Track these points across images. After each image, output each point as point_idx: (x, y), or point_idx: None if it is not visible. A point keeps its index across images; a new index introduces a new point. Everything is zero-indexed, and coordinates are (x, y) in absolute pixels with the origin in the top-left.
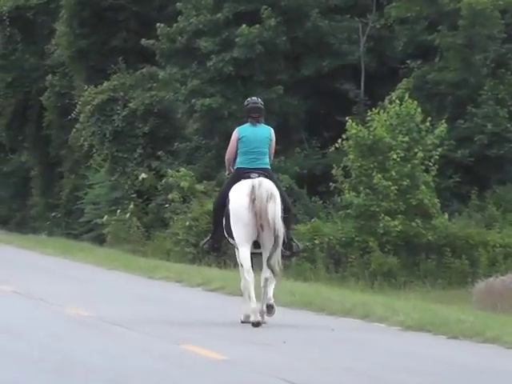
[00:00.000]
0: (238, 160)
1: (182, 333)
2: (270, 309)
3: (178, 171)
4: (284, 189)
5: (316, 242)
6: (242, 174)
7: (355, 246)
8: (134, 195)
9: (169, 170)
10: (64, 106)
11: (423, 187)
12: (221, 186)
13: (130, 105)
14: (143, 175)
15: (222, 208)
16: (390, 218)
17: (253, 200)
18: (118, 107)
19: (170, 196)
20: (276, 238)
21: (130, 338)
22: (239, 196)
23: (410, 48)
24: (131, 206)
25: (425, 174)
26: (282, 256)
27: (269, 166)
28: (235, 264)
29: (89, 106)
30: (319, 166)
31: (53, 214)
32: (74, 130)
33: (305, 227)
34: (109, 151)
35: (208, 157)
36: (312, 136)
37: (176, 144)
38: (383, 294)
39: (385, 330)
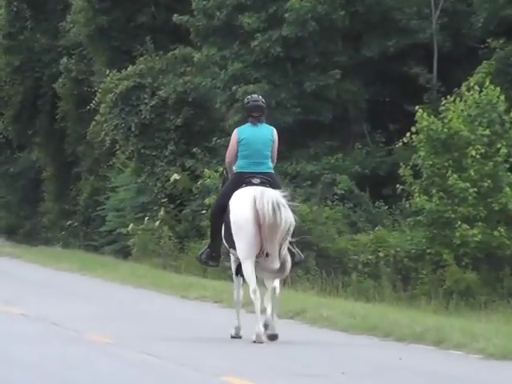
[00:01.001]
0: (238, 163)
1: (222, 362)
2: (273, 337)
3: (216, 171)
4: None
5: (380, 254)
6: (243, 179)
7: (427, 259)
8: (165, 200)
9: (206, 170)
10: (81, 95)
11: (507, 189)
12: None
13: (160, 93)
14: (175, 176)
15: (221, 215)
16: (468, 226)
17: (257, 212)
18: (146, 96)
19: (207, 201)
20: (281, 245)
21: (161, 369)
22: (242, 207)
23: (491, 24)
24: (161, 212)
25: (509, 173)
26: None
27: (272, 170)
28: (284, 281)
29: (111, 95)
30: (384, 164)
31: (68, 223)
32: (94, 122)
33: (367, 237)
34: (135, 148)
35: None
36: (375, 129)
37: (214, 139)
38: (460, 316)
39: (462, 358)
